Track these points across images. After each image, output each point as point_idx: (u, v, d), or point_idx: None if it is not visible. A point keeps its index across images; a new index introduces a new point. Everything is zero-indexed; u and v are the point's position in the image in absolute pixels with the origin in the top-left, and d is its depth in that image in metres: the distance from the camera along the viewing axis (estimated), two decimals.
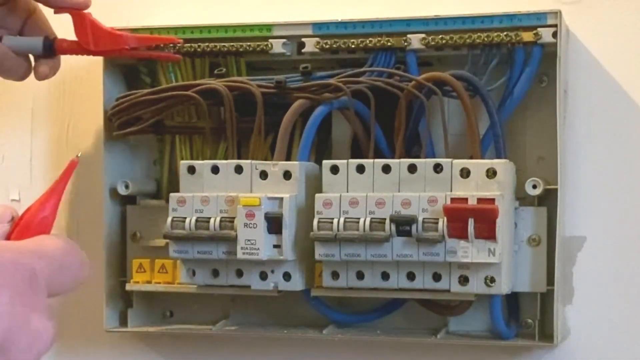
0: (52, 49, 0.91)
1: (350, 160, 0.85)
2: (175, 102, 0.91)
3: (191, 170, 0.88)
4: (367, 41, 0.88)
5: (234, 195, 0.85)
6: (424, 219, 0.81)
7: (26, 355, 0.46)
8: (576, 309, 0.89)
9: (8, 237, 0.55)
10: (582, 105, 0.89)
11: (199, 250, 0.86)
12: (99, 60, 0.94)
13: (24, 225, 0.55)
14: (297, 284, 0.86)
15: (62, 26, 0.92)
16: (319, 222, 0.83)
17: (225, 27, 0.92)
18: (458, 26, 0.87)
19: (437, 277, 0.83)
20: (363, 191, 0.83)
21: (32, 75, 1.00)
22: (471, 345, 0.90)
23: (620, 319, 0.89)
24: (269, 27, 0.91)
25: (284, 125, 0.87)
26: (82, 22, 0.90)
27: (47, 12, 0.94)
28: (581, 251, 0.89)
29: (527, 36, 0.85)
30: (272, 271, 0.86)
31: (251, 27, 0.92)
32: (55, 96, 1.01)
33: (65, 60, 0.93)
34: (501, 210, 0.80)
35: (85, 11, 0.90)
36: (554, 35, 0.84)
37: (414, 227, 0.81)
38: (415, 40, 0.88)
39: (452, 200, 0.81)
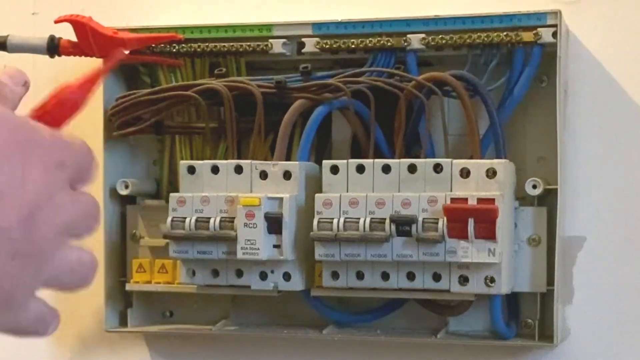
0: (56, 50, 0.92)
1: (350, 160, 0.85)
2: (175, 102, 0.91)
3: (191, 170, 0.88)
4: (367, 41, 0.88)
5: (234, 195, 0.85)
6: (424, 219, 0.82)
7: (50, 228, 0.47)
8: (576, 309, 0.89)
9: (41, 109, 0.55)
10: (582, 105, 0.89)
11: (199, 250, 0.86)
12: (99, 60, 0.94)
13: (58, 102, 0.56)
14: (297, 284, 0.86)
15: (64, 29, 0.92)
16: (319, 222, 0.83)
17: (225, 27, 0.92)
18: (458, 26, 0.87)
19: (437, 277, 0.83)
20: (363, 191, 0.84)
21: (32, 75, 1.00)
22: (471, 345, 0.90)
23: (620, 319, 0.89)
24: (269, 27, 0.91)
25: (284, 125, 0.87)
26: (83, 29, 0.90)
27: (49, 16, 0.94)
28: (581, 251, 0.89)
29: (527, 36, 0.85)
30: (272, 271, 0.86)
31: (251, 27, 0.92)
32: None
33: (65, 60, 0.94)
34: (501, 210, 0.80)
35: (85, 16, 0.91)
36: (554, 35, 0.85)
37: (414, 227, 0.81)
38: (415, 40, 0.88)
39: (452, 200, 0.81)
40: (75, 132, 1.03)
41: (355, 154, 0.88)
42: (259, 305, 0.94)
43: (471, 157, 0.85)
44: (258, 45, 0.91)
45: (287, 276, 0.86)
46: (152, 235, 0.95)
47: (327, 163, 0.85)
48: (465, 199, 0.81)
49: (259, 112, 0.88)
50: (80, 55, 0.92)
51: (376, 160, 0.84)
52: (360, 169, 0.84)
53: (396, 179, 0.84)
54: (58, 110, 0.57)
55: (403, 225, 0.82)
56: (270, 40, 0.91)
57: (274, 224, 0.84)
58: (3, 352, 1.02)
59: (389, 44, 0.88)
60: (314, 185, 0.86)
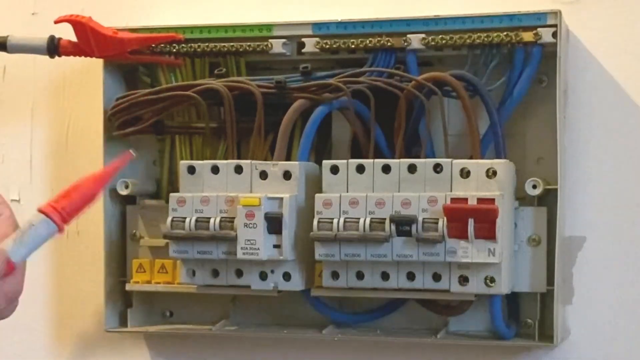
0: (56, 50, 0.92)
1: (350, 160, 0.85)
2: (175, 102, 0.91)
3: (191, 170, 0.88)
4: (367, 41, 0.88)
5: (234, 195, 0.85)
6: (424, 219, 0.82)
7: None
8: (576, 309, 0.89)
9: (63, 198, 0.60)
10: (582, 105, 0.89)
11: (199, 250, 0.86)
12: (99, 60, 0.94)
13: (78, 193, 0.61)
14: (297, 284, 0.86)
15: (64, 29, 0.92)
16: (319, 222, 0.83)
17: (225, 27, 0.92)
18: (458, 26, 0.87)
19: (437, 277, 0.83)
20: (363, 191, 0.84)
21: (32, 75, 1.01)
22: (471, 345, 0.90)
23: (620, 319, 0.89)
24: (269, 27, 0.91)
25: (284, 125, 0.87)
26: (82, 29, 0.91)
27: (49, 16, 0.94)
28: (581, 251, 0.89)
29: (527, 36, 0.85)
30: (272, 271, 0.86)
31: (251, 27, 0.92)
32: (55, 96, 1.01)
33: (65, 60, 0.94)
34: (501, 210, 0.80)
35: (85, 16, 0.91)
36: (554, 35, 0.85)
37: (414, 227, 0.81)
38: (415, 40, 0.88)
39: (452, 200, 0.81)
40: (76, 132, 1.04)
41: (355, 154, 0.88)
42: (259, 305, 0.94)
43: (471, 157, 0.85)
44: (258, 45, 0.91)
45: (287, 276, 0.86)
46: (152, 235, 0.95)
47: (327, 163, 0.85)
48: (465, 199, 0.81)
49: (259, 112, 0.88)
50: (80, 56, 0.93)
51: (376, 160, 0.84)
52: (360, 169, 0.84)
53: (396, 179, 0.84)
54: (77, 200, 0.61)
55: (403, 225, 0.82)
56: (270, 40, 0.91)
57: (274, 224, 0.84)
58: (3, 352, 1.02)
59: (389, 44, 0.88)
60: (314, 185, 0.86)
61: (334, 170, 0.85)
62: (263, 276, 0.86)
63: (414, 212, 0.82)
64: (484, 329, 0.90)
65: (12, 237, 0.61)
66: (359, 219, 0.83)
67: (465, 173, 0.82)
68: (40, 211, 0.61)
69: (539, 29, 0.85)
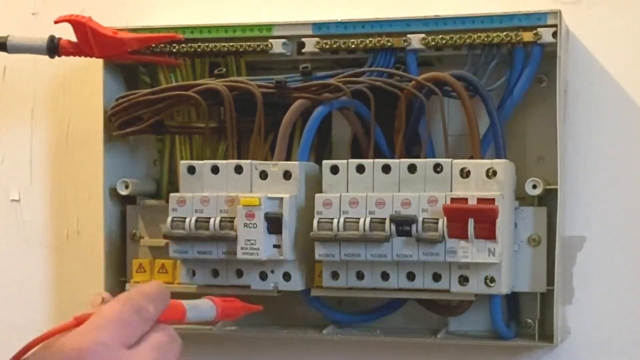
0: (56, 50, 0.92)
1: (350, 160, 0.85)
2: (175, 102, 0.91)
3: (191, 170, 0.88)
4: (367, 41, 0.88)
5: (234, 195, 0.85)
6: (424, 219, 0.82)
7: None
8: (576, 309, 0.89)
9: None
10: (582, 105, 0.89)
11: (199, 250, 0.86)
12: (99, 60, 0.94)
13: (230, 306, 0.74)
14: (297, 284, 0.86)
15: (64, 29, 0.92)
16: (319, 222, 0.83)
17: (225, 27, 0.92)
18: (458, 26, 0.87)
19: (437, 277, 0.83)
20: (363, 191, 0.84)
21: (32, 75, 1.01)
22: (471, 345, 0.90)
23: (620, 319, 0.89)
24: (269, 27, 0.91)
25: (284, 125, 0.87)
26: (82, 29, 0.91)
27: (49, 16, 0.94)
28: (581, 251, 0.89)
29: (527, 36, 0.85)
30: (272, 271, 0.86)
31: (251, 27, 0.92)
32: (55, 96, 1.01)
33: (65, 60, 0.94)
34: (501, 210, 0.80)
35: (85, 16, 0.91)
36: (554, 35, 0.85)
37: (414, 227, 0.81)
38: (415, 40, 0.88)
39: (452, 200, 0.81)
40: (76, 132, 1.04)
41: (355, 154, 0.88)
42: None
43: (471, 157, 0.85)
44: (258, 45, 0.91)
45: (287, 276, 0.86)
46: (152, 235, 0.95)
47: (327, 163, 0.85)
48: (465, 199, 0.81)
49: (259, 112, 0.88)
50: (80, 56, 0.93)
51: (376, 160, 0.84)
52: (360, 169, 0.84)
53: (396, 179, 0.84)
54: (231, 308, 0.74)
55: (403, 225, 0.82)
56: (270, 40, 0.91)
57: (274, 224, 0.84)
58: (3, 351, 1.02)
59: (389, 44, 0.88)
60: (314, 185, 0.86)
61: (334, 170, 0.85)
62: (263, 276, 0.86)
63: (414, 212, 0.82)
64: (484, 329, 0.90)
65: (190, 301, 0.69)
66: (359, 219, 0.83)
67: (465, 173, 0.82)
68: (212, 299, 0.72)
69: (539, 29, 0.85)
